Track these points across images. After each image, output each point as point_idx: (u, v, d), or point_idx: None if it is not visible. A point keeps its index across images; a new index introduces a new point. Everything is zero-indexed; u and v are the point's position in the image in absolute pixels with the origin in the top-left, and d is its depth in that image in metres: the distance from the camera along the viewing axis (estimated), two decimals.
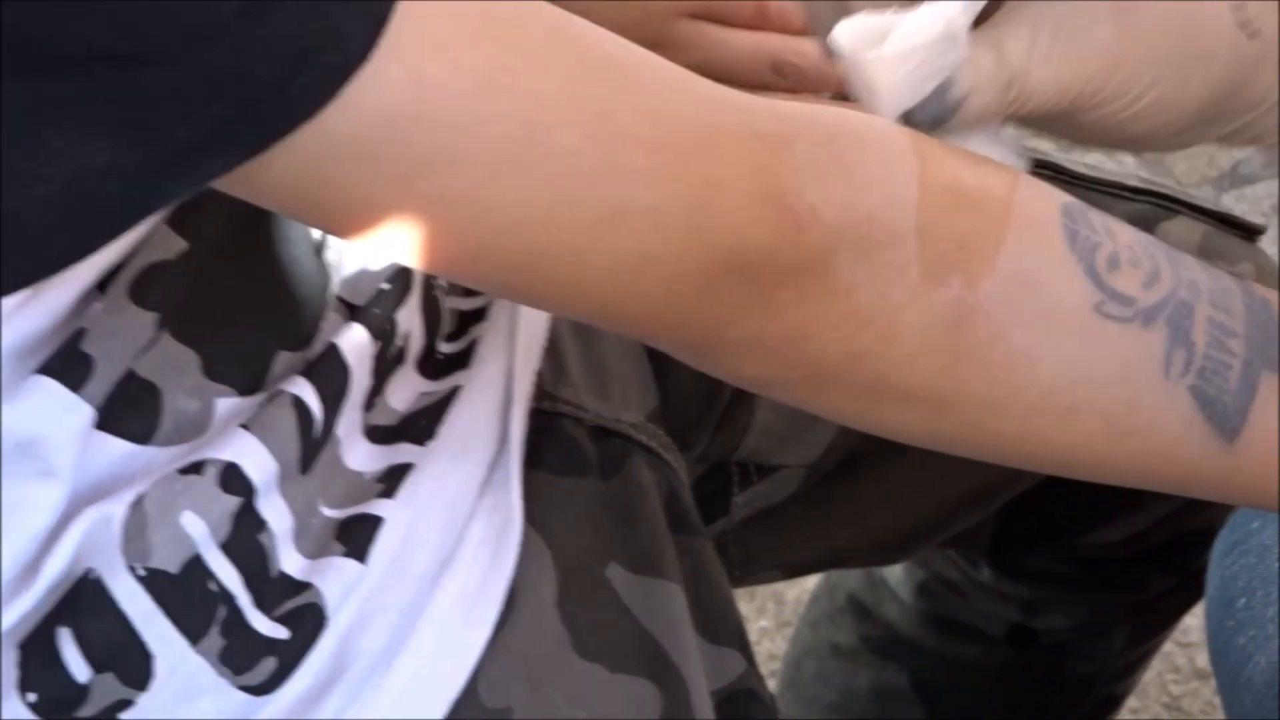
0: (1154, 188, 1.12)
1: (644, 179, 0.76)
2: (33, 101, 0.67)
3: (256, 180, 0.72)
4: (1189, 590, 1.17)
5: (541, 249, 0.77)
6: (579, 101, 0.74)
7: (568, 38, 0.76)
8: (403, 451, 0.92)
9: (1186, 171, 1.92)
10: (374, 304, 0.93)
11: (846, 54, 0.84)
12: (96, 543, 0.85)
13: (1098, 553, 1.17)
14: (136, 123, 0.66)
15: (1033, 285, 0.81)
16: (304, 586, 0.89)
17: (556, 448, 1.01)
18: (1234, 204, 1.93)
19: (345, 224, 0.78)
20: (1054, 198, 0.84)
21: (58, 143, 0.67)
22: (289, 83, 0.67)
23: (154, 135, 0.66)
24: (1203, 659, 1.41)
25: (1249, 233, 1.12)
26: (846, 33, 0.84)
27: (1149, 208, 1.09)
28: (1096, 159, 1.95)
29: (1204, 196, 1.84)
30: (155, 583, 0.86)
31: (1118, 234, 0.84)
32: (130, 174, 0.66)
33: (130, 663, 0.87)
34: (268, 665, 0.85)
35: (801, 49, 1.09)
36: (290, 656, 0.88)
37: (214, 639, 0.85)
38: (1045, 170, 1.06)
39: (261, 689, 0.88)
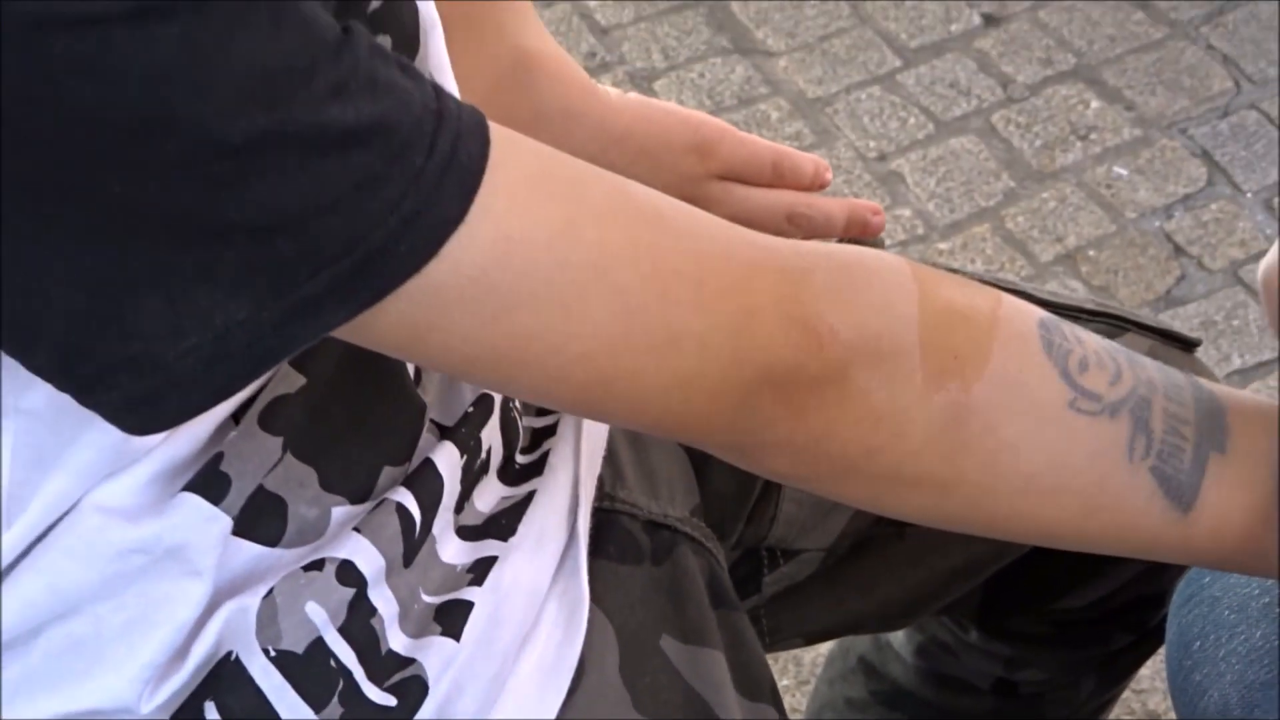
0: (1107, 309, 1.12)
1: (691, 310, 0.78)
2: (187, 268, 0.68)
3: (370, 327, 0.72)
4: (1144, 645, 1.17)
5: (607, 372, 0.79)
6: (635, 247, 0.77)
7: (623, 195, 0.79)
8: (488, 546, 0.91)
9: (1129, 295, 1.91)
10: (462, 424, 0.92)
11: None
12: (235, 629, 0.85)
13: (1068, 616, 1.15)
14: (271, 283, 0.69)
15: (1016, 387, 0.83)
16: (409, 661, 0.88)
17: (616, 540, 0.99)
18: (1169, 321, 1.92)
19: (444, 360, 0.79)
20: (1032, 313, 0.85)
21: (205, 302, 0.69)
22: (398, 244, 0.69)
23: (286, 293, 0.69)
24: (1154, 702, 1.39)
25: (1188, 345, 1.11)
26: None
27: (1105, 326, 1.08)
28: (1053, 289, 1.94)
29: (1146, 315, 1.84)
30: (285, 662, 0.85)
31: (1086, 341, 0.85)
32: (266, 327, 0.69)
33: None
34: None
35: (812, 202, 1.11)
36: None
37: (334, 708, 0.85)
38: (1017, 291, 1.05)
39: None
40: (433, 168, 0.70)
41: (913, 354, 0.81)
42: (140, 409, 0.71)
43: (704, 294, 0.78)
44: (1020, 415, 0.83)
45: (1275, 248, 0.85)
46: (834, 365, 0.80)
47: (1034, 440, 0.83)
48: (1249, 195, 2.03)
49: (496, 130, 0.72)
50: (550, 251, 0.74)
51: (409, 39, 0.82)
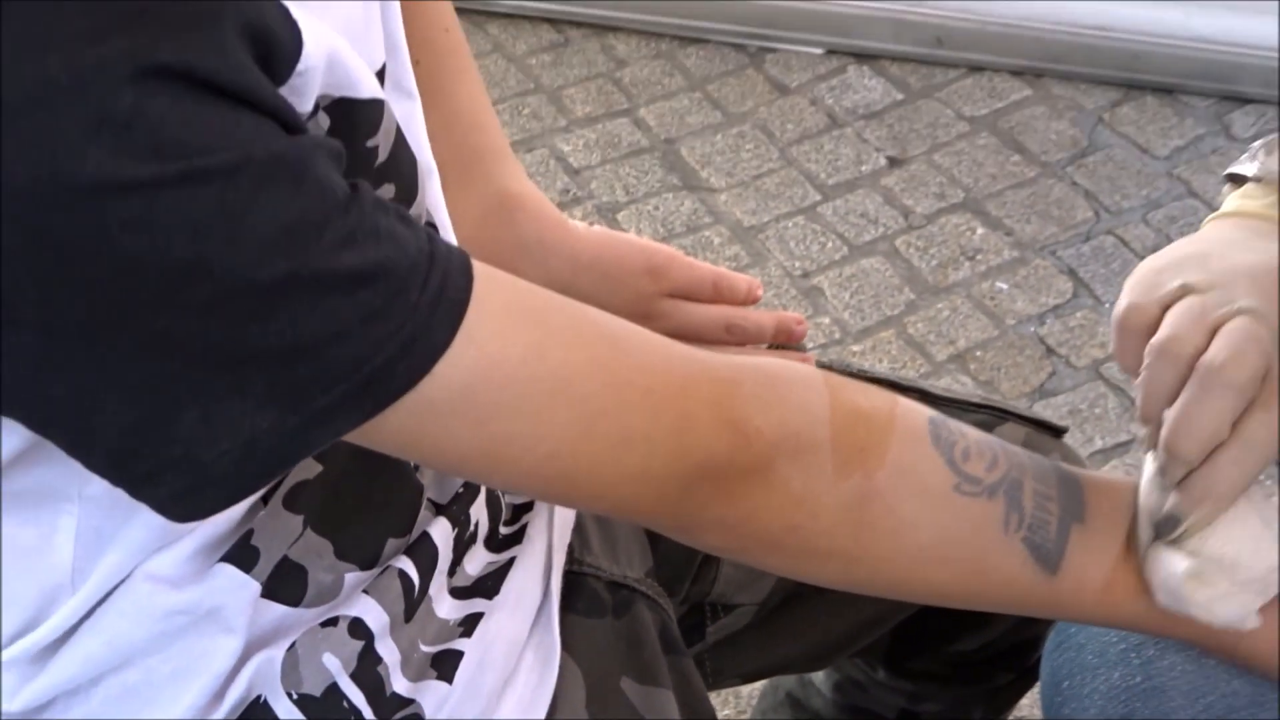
0: (990, 403, 1.12)
1: (641, 415, 0.78)
2: (221, 387, 0.69)
3: (374, 432, 0.72)
4: (1023, 681, 1.18)
5: (570, 468, 0.79)
6: (593, 364, 0.77)
7: (584, 319, 0.79)
8: (476, 604, 0.93)
9: (1009, 389, 1.91)
10: (454, 502, 0.92)
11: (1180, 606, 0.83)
12: (264, 676, 0.85)
13: (960, 658, 1.15)
14: (292, 399, 0.70)
15: (910, 474, 0.83)
16: (409, 701, 0.87)
17: (583, 597, 0.99)
18: (1042, 411, 1.92)
19: (435, 459, 0.81)
20: (923, 412, 0.85)
21: (237, 414, 0.69)
22: (397, 365, 0.70)
23: (303, 407, 0.70)
24: None
25: (1056, 432, 1.11)
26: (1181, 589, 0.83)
27: (987, 416, 1.09)
28: (946, 383, 1.94)
29: (1023, 406, 1.83)
30: (305, 704, 0.85)
31: (968, 434, 0.85)
32: (288, 434, 0.70)
33: None
34: None
35: (746, 315, 1.10)
36: None
37: None
38: (915, 391, 1.06)
39: None
40: (426, 302, 0.71)
41: (825, 448, 0.82)
42: (183, 501, 0.72)
43: (651, 401, 0.78)
44: (914, 497, 0.83)
45: (1123, 298, 0.85)
46: (760, 459, 0.80)
47: (926, 518, 0.83)
48: (1107, 305, 2.05)
49: (479, 268, 0.74)
50: (523, 369, 0.75)
51: (409, 186, 0.82)
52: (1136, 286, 0.85)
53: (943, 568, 0.86)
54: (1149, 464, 0.84)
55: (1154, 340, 0.83)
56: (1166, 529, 0.83)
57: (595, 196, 2.18)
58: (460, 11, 2.32)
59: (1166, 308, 0.84)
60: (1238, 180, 0.91)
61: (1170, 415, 0.82)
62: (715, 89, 2.34)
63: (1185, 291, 0.84)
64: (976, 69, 2.36)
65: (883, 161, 2.24)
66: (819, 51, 2.38)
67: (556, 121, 2.29)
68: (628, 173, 2.22)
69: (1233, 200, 0.91)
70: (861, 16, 2.36)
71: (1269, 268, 0.85)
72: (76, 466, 0.71)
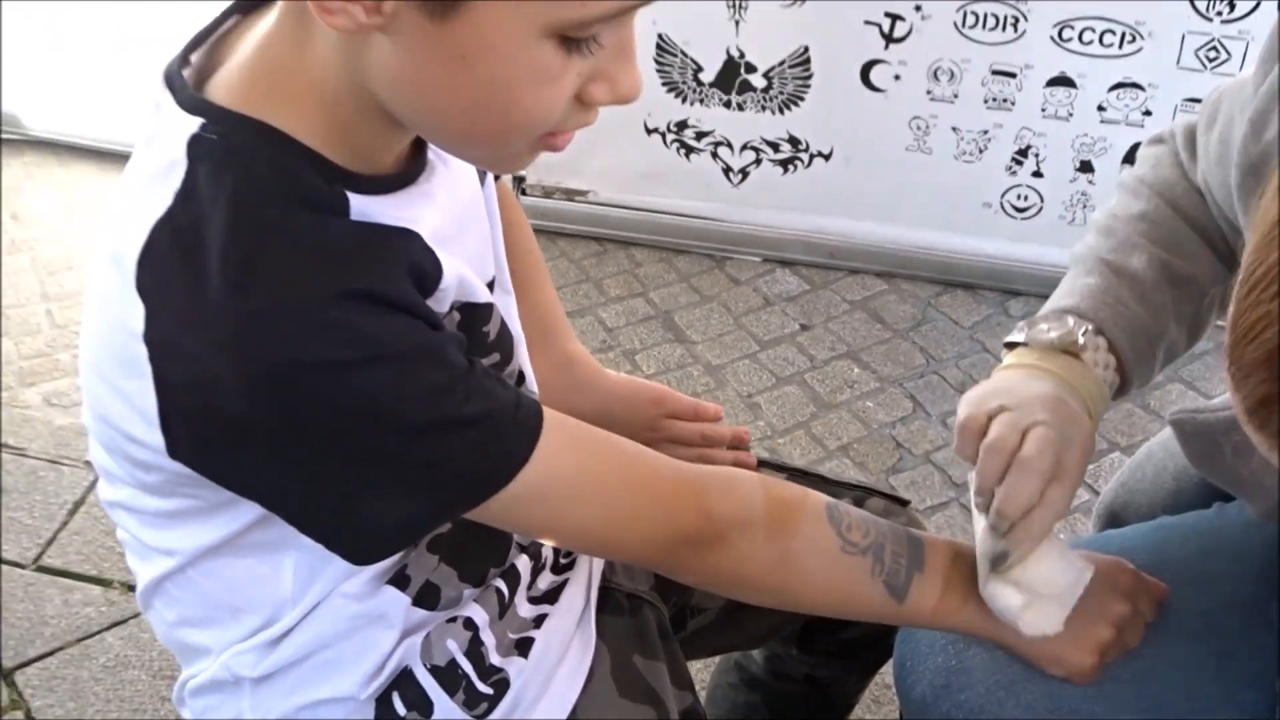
0: (862, 483, 1.11)
1: (646, 505, 0.79)
2: (383, 484, 0.69)
3: (480, 513, 0.72)
4: (883, 656, 1.14)
5: (601, 538, 0.81)
6: (616, 473, 0.79)
7: (610, 444, 0.80)
8: (543, 608, 0.94)
9: (874, 467, 1.90)
10: (531, 545, 0.91)
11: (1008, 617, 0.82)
12: (410, 654, 0.85)
13: (842, 641, 1.12)
14: (429, 494, 0.71)
15: (814, 541, 0.84)
16: (500, 670, 0.87)
17: (610, 603, 0.97)
18: (895, 482, 1.89)
19: (518, 529, 0.83)
20: (822, 499, 0.85)
21: (393, 503, 0.70)
22: (495, 474, 0.71)
23: (437, 499, 0.72)
24: (887, 681, 1.34)
25: (903, 503, 1.08)
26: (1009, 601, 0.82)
27: (860, 493, 1.07)
28: (834, 465, 1.92)
29: (882, 482, 1.81)
30: (435, 671, 0.84)
31: (851, 513, 0.86)
32: (427, 515, 0.73)
33: (423, 707, 0.84)
34: (483, 706, 0.85)
35: (713, 429, 1.08)
36: (493, 702, 0.86)
37: (460, 695, 0.86)
38: (816, 477, 1.07)
39: (479, 716, 0.85)
40: (513, 434, 0.71)
41: (760, 526, 0.82)
42: (361, 555, 0.74)
43: (652, 497, 0.79)
44: (816, 556, 0.83)
45: (961, 412, 0.85)
46: (718, 533, 0.81)
47: (823, 569, 0.83)
48: (934, 418, 2.03)
49: (546, 411, 0.75)
50: (572, 477, 0.76)
51: (508, 352, 0.83)
52: (968, 405, 0.86)
53: (830, 597, 0.86)
54: (980, 521, 0.85)
55: (985, 441, 0.84)
56: (999, 563, 0.83)
57: (621, 346, 2.17)
58: (538, 231, 2.33)
59: (991, 419, 0.84)
60: (1012, 345, 0.92)
61: (1000, 490, 0.82)
62: (695, 281, 2.34)
63: (1002, 409, 0.85)
64: (854, 271, 2.35)
65: (796, 327, 2.22)
66: (758, 259, 2.38)
67: (598, 299, 2.29)
68: (641, 332, 2.21)
69: (1009, 358, 0.91)
70: (783, 238, 2.36)
71: (1054, 396, 0.85)
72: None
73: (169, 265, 0.63)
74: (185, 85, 0.67)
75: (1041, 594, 0.81)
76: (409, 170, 0.72)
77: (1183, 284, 0.89)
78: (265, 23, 0.68)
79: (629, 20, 0.63)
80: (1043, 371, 0.85)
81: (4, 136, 2.64)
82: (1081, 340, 0.86)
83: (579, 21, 0.60)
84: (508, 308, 0.82)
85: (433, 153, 0.74)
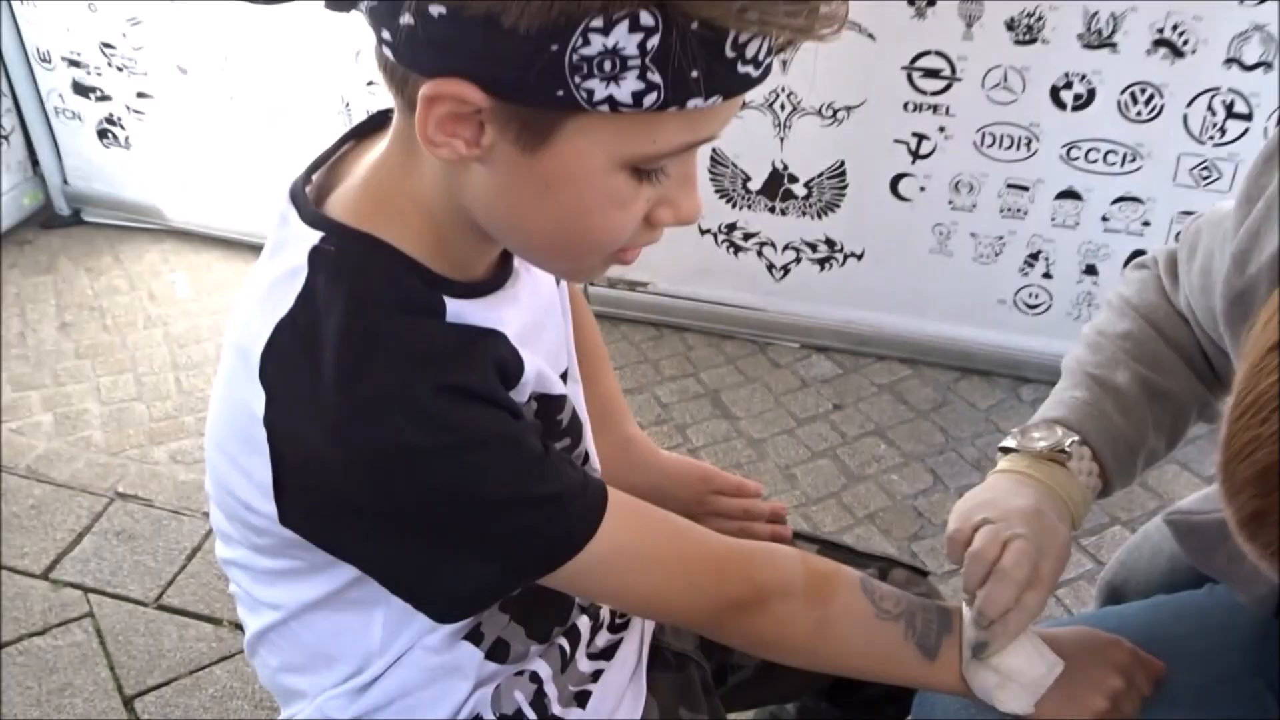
0: (887, 555, 1.08)
1: (697, 575, 0.78)
2: (463, 555, 0.69)
3: (548, 580, 0.72)
4: (903, 711, 1.08)
5: (655, 602, 0.80)
6: (670, 547, 0.79)
7: (664, 519, 0.79)
8: (600, 664, 0.92)
9: (898, 534, 1.88)
10: (591, 606, 0.90)
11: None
12: (482, 703, 0.86)
13: (868, 697, 1.08)
14: (506, 563, 0.72)
15: (848, 606, 0.83)
16: (560, 719, 0.85)
17: (659, 660, 0.96)
18: (917, 549, 1.87)
19: (583, 594, 0.84)
20: (856, 574, 0.84)
21: (473, 570, 0.70)
22: (563, 547, 0.71)
23: (512, 568, 0.73)
24: None
25: (924, 573, 1.07)
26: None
27: (885, 564, 1.05)
28: (861, 532, 1.89)
29: (904, 551, 1.78)
30: (504, 719, 0.83)
31: (882, 586, 0.85)
32: (502, 582, 0.71)
33: None
34: None
35: (754, 504, 1.06)
36: None
37: None
38: (845, 549, 1.05)
39: None
40: (579, 513, 0.72)
41: (799, 595, 0.80)
42: (442, 615, 0.72)
43: (702, 567, 0.79)
44: (851, 621, 0.81)
45: (950, 524, 0.84)
46: (761, 600, 0.79)
47: (858, 634, 0.82)
48: (953, 490, 2.00)
49: (611, 491, 0.74)
50: (631, 550, 0.77)
51: (577, 436, 0.84)
52: (956, 518, 0.87)
53: (866, 660, 0.84)
54: (968, 613, 0.83)
55: (970, 550, 0.84)
56: (980, 651, 0.82)
57: (674, 420, 2.17)
58: (603, 316, 2.32)
59: (975, 530, 0.84)
60: (1006, 450, 0.92)
61: (981, 594, 0.82)
62: (741, 364, 2.33)
63: (986, 522, 0.84)
64: (881, 358, 2.34)
65: (830, 406, 2.21)
66: (796, 345, 2.37)
67: (654, 378, 2.28)
68: (692, 408, 2.20)
69: (1003, 462, 0.91)
70: (819, 327, 2.35)
71: (1034, 509, 0.85)
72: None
73: (289, 359, 0.65)
74: (308, 202, 0.70)
75: (1014, 681, 0.81)
76: (497, 277, 0.73)
77: (1162, 398, 0.89)
78: (377, 148, 0.70)
79: (692, 154, 0.65)
80: (1030, 479, 0.85)
81: (148, 226, 2.71)
82: (1068, 449, 0.86)
83: (649, 156, 0.61)
84: (577, 396, 0.83)
85: (517, 261, 0.75)
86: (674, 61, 0.56)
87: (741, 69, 0.58)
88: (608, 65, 0.56)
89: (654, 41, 0.55)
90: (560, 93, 0.57)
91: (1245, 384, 0.50)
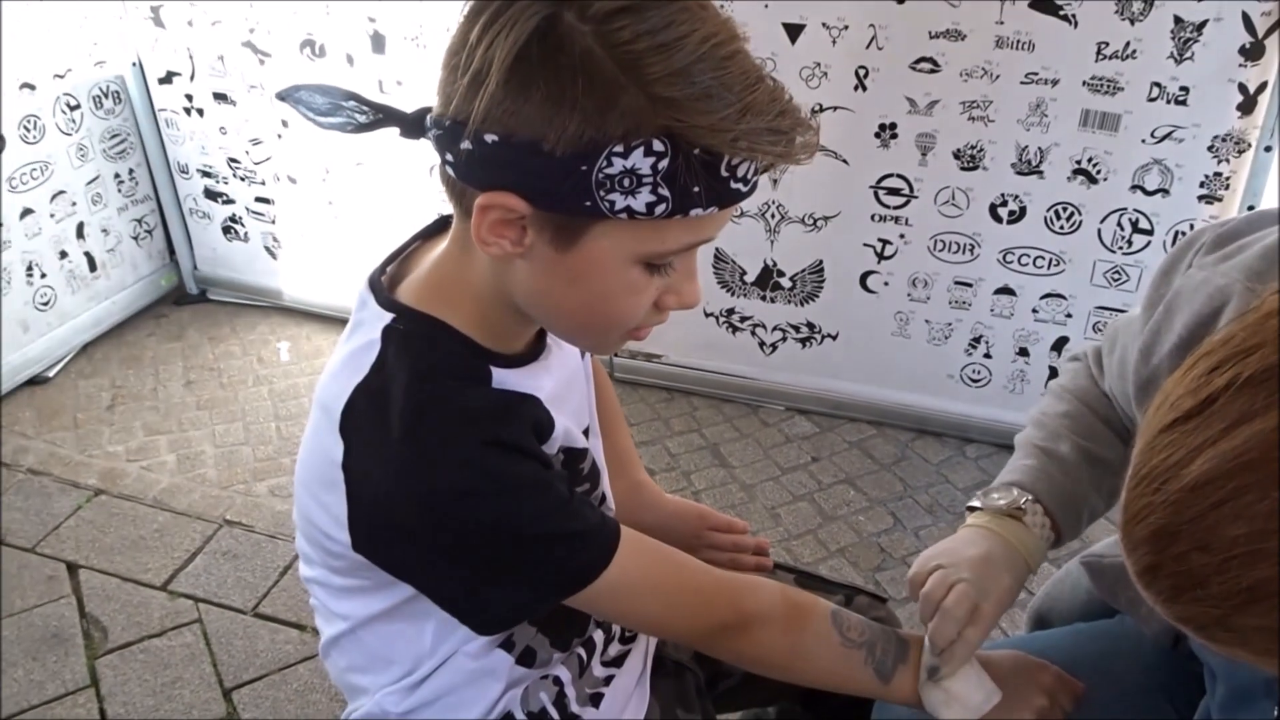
0: (853, 584, 1.05)
1: (692, 602, 0.77)
2: (503, 580, 0.68)
3: (569, 601, 0.71)
4: (866, 714, 1.07)
5: (656, 624, 0.82)
6: (671, 578, 0.78)
7: (665, 552, 0.80)
8: (611, 670, 0.90)
9: (864, 564, 1.84)
10: (604, 622, 0.87)
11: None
12: (512, 703, 0.81)
13: (836, 703, 1.04)
14: (531, 589, 0.72)
15: (819, 636, 0.82)
16: (578, 717, 0.82)
17: (661, 667, 0.92)
18: (881, 579, 1.83)
19: (598, 613, 0.80)
20: (828, 605, 0.82)
21: (511, 592, 0.69)
22: (582, 575, 0.70)
23: (538, 592, 0.73)
24: None
25: (883, 600, 1.04)
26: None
27: (850, 592, 1.03)
28: (834, 564, 1.86)
29: (869, 581, 1.74)
30: (531, 715, 0.82)
31: (850, 617, 0.84)
32: (533, 603, 0.70)
33: None
34: None
35: (742, 540, 1.03)
36: None
37: None
38: (819, 579, 1.03)
39: None
40: (599, 545, 0.71)
41: (778, 622, 0.78)
42: (483, 628, 0.71)
43: (696, 595, 0.76)
44: (821, 647, 0.79)
45: (914, 565, 0.83)
46: (745, 625, 0.78)
47: (826, 657, 0.81)
48: (909, 530, 1.97)
49: (623, 529, 0.73)
50: (638, 580, 0.76)
51: (595, 480, 0.83)
52: (918, 563, 0.85)
53: (831, 679, 0.82)
54: (928, 642, 0.81)
55: (922, 591, 0.82)
56: (933, 674, 0.80)
57: (680, 468, 2.15)
58: (623, 382, 2.30)
59: (930, 574, 0.82)
60: (972, 509, 0.90)
61: (929, 627, 0.80)
62: (736, 423, 2.31)
63: (939, 568, 0.83)
64: (852, 419, 2.32)
65: (809, 459, 2.19)
66: (782, 408, 2.35)
67: (665, 433, 2.27)
68: (695, 458, 2.19)
69: (970, 519, 0.89)
70: (801, 394, 2.34)
71: (982, 558, 0.83)
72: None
73: (363, 416, 0.65)
74: (383, 289, 0.71)
75: (960, 703, 0.79)
76: (533, 350, 0.73)
77: (1098, 464, 0.88)
78: (439, 247, 0.71)
79: (694, 252, 0.66)
80: (990, 532, 0.84)
81: (260, 304, 2.73)
82: (1023, 506, 0.85)
83: (659, 254, 0.62)
84: (597, 449, 0.83)
85: (550, 338, 0.75)
86: (680, 179, 0.57)
87: (734, 185, 0.59)
88: (627, 182, 0.57)
89: (664, 164, 0.57)
90: (588, 203, 0.58)
91: (1140, 459, 0.50)
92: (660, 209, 0.58)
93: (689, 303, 0.67)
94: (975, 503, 0.88)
